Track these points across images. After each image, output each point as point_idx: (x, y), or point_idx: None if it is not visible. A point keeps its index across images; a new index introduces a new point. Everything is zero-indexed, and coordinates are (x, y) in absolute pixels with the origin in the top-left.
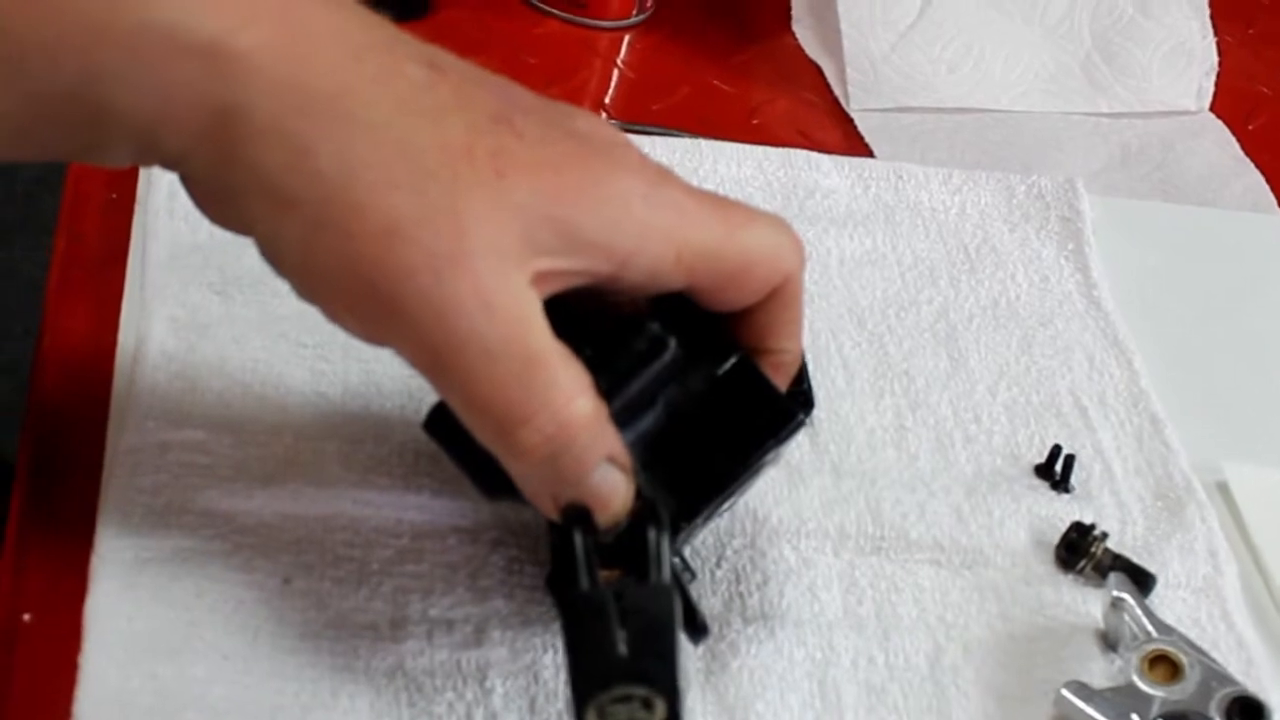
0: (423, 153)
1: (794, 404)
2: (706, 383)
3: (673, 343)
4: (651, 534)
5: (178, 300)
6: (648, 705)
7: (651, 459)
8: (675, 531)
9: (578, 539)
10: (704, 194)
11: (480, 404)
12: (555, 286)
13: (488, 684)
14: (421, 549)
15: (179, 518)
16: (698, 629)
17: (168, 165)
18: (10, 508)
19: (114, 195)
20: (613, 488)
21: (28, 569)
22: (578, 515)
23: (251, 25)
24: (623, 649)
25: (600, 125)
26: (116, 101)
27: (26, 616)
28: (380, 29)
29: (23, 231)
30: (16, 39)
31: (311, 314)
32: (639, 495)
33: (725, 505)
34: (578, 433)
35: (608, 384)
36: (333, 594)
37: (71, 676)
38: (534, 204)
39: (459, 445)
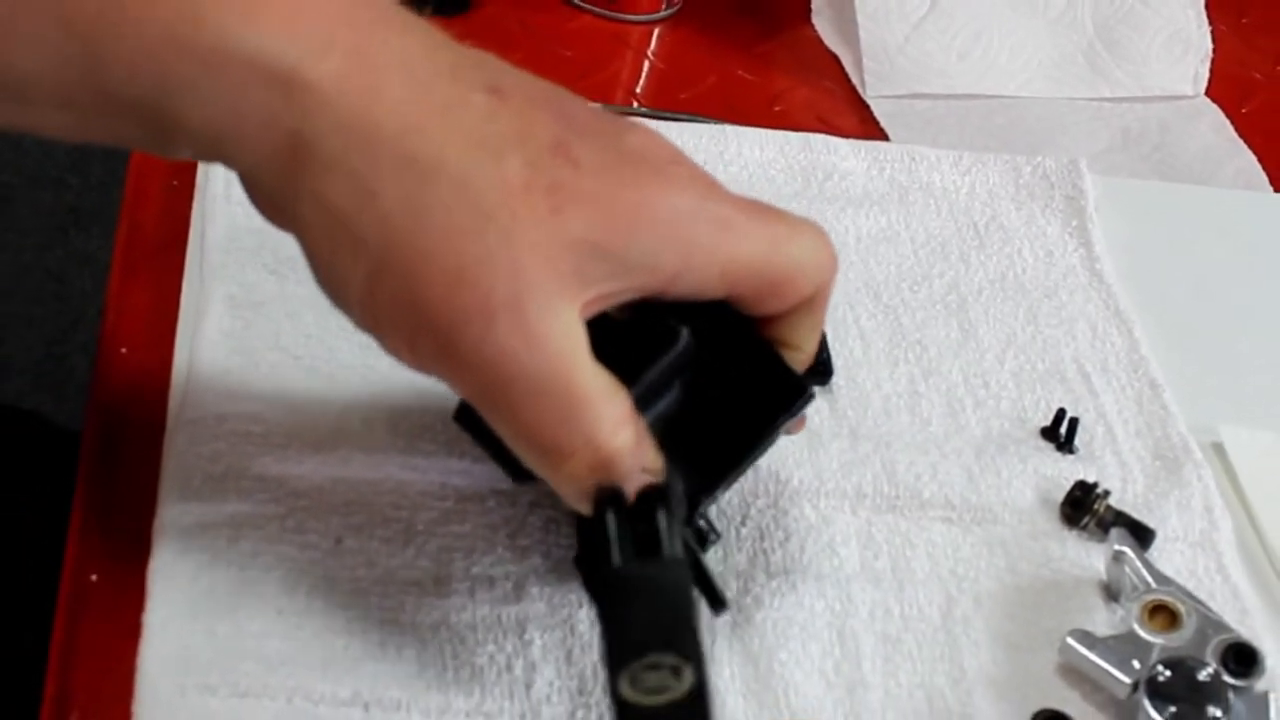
0: (483, 193)
1: (804, 379)
2: (721, 363)
3: (685, 333)
4: (661, 518)
5: (235, 280)
6: (676, 672)
7: (669, 437)
8: (695, 505)
9: (610, 519)
10: (749, 205)
11: (528, 438)
12: (602, 307)
13: (526, 637)
14: (464, 510)
15: (236, 483)
16: (717, 602)
17: (230, 167)
18: (79, 476)
19: (174, 183)
20: (640, 486)
21: (95, 533)
22: (610, 497)
23: (327, 55)
24: (652, 619)
25: (652, 140)
26: (188, 114)
27: (94, 577)
28: (445, 52)
29: (98, 220)
30: (97, 45)
31: None
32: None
33: (747, 472)
34: (620, 461)
35: (625, 375)
36: (381, 553)
37: (136, 633)
38: (587, 236)
39: (488, 436)
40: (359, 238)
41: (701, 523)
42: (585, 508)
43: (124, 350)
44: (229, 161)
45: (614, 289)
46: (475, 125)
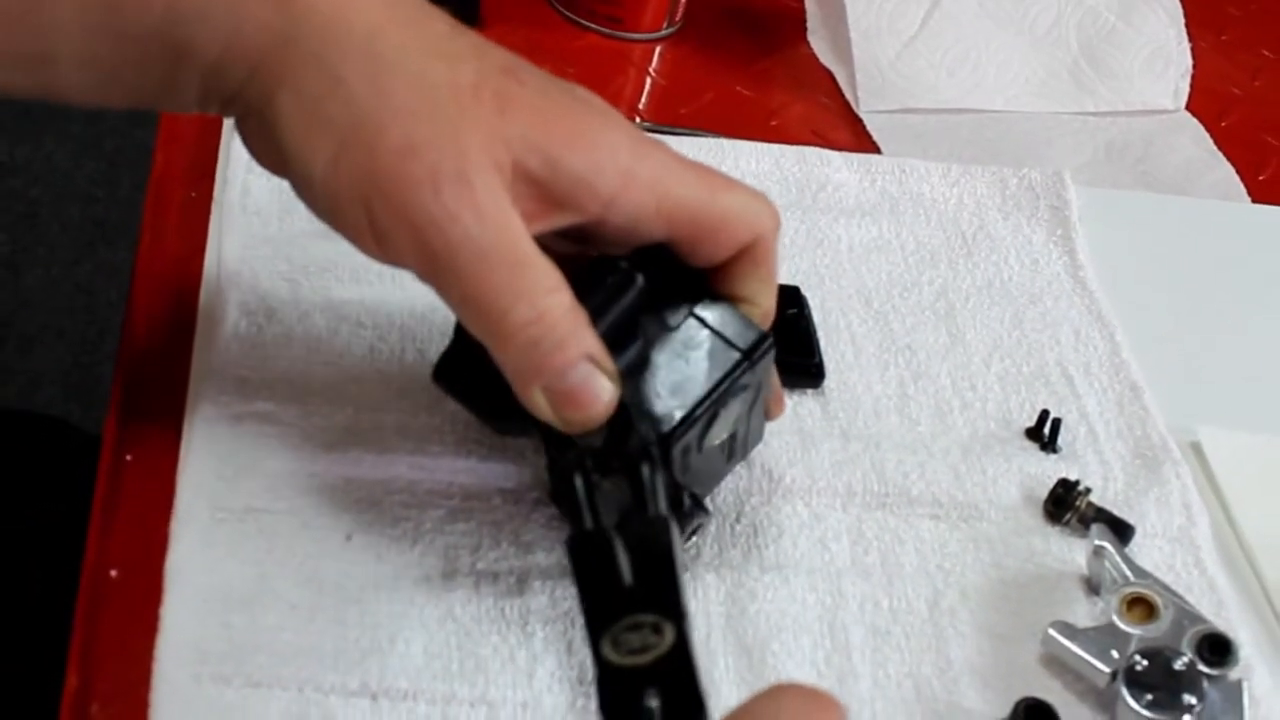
0: (437, 88)
1: (766, 332)
2: (684, 317)
3: (640, 276)
4: (645, 470)
5: (250, 287)
6: (657, 630)
7: (641, 384)
8: (667, 450)
9: (578, 481)
10: (688, 160)
11: (472, 298)
12: (544, 224)
13: (529, 629)
14: (470, 509)
15: (250, 481)
16: (684, 514)
17: (227, 106)
18: (98, 475)
19: (193, 194)
20: (594, 385)
21: (114, 530)
22: (579, 460)
23: None
24: (629, 579)
25: (597, 97)
26: (194, 37)
27: (113, 572)
28: None
29: (125, 233)
30: None
31: (370, 298)
32: (633, 430)
33: (718, 427)
34: (555, 321)
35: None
36: (390, 549)
37: (154, 626)
38: (528, 138)
39: (464, 390)
40: (327, 117)
41: (688, 500)
42: (540, 405)
43: (143, 353)
44: (226, 83)
45: (551, 194)
46: (435, 40)
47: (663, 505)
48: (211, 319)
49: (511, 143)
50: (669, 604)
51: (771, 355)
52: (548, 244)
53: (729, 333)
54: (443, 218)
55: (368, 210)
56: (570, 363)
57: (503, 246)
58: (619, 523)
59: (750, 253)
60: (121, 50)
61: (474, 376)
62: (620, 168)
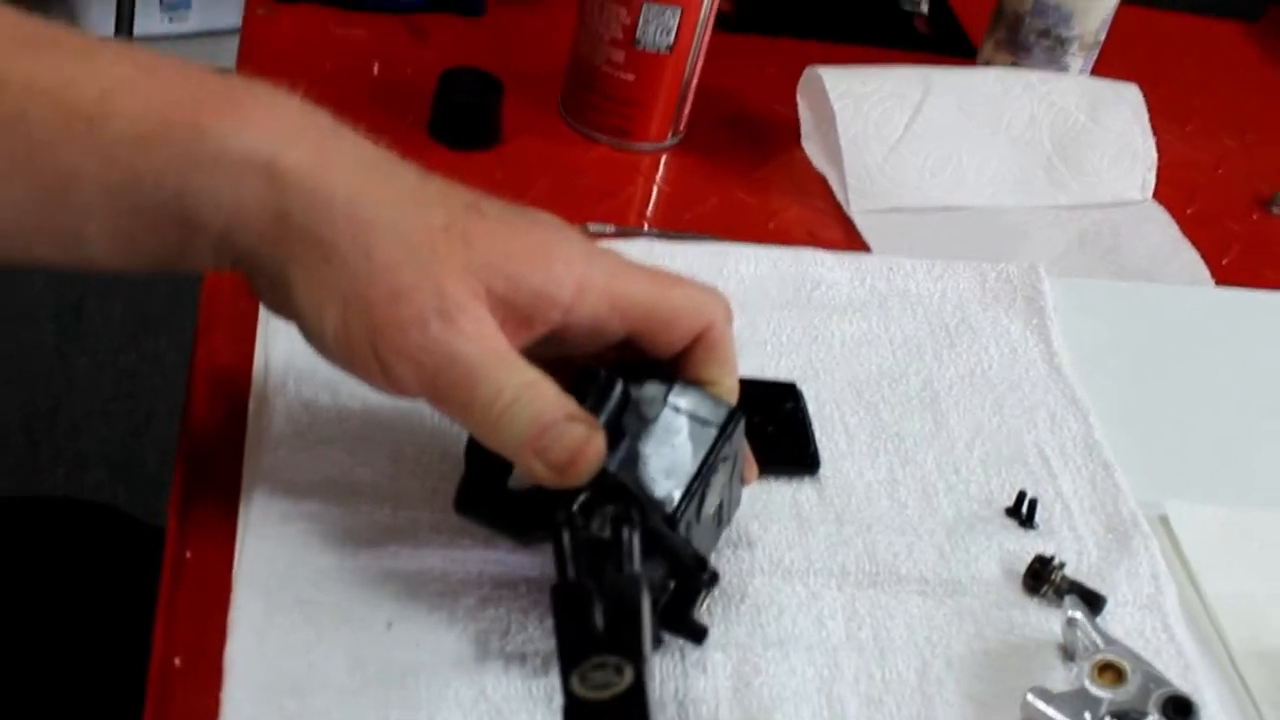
0: (412, 235)
1: (735, 407)
2: (660, 408)
3: (619, 381)
4: (625, 532)
5: (294, 395)
6: (619, 670)
7: (637, 475)
8: (675, 527)
9: (565, 537)
10: (640, 265)
11: (468, 402)
12: (519, 341)
13: (554, 705)
14: (499, 596)
15: (299, 575)
16: (696, 631)
17: (239, 264)
18: (163, 572)
19: (241, 306)
20: (578, 435)
21: (177, 622)
22: (568, 519)
23: (295, 147)
24: (600, 626)
25: (554, 217)
26: (201, 210)
27: (177, 661)
28: (385, 151)
29: (166, 326)
30: (133, 168)
31: (404, 403)
32: (624, 500)
33: (710, 498)
34: (533, 396)
35: None
36: (427, 635)
37: (215, 710)
38: (492, 264)
39: (486, 513)
40: (327, 282)
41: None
42: (539, 469)
43: (200, 458)
44: (236, 250)
45: (517, 310)
46: (408, 190)
47: (637, 565)
48: (260, 425)
49: (480, 271)
50: (632, 649)
51: (742, 426)
52: (528, 356)
53: (703, 413)
54: (433, 346)
55: (376, 354)
56: (550, 423)
57: (486, 355)
58: (599, 576)
59: (705, 340)
60: (142, 223)
61: (491, 499)
62: (575, 276)
